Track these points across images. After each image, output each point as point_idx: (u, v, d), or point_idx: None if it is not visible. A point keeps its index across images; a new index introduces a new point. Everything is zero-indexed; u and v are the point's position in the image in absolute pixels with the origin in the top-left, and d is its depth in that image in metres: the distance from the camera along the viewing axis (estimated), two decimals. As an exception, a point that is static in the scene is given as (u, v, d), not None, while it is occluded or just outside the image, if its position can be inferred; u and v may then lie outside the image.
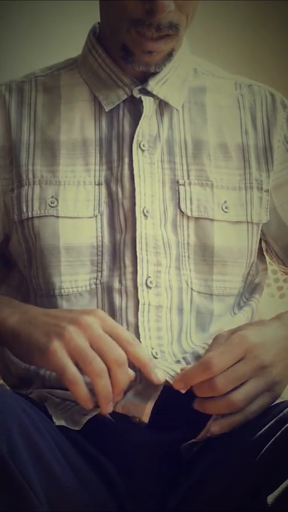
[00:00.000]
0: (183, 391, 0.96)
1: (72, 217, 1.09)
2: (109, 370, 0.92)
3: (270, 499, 0.86)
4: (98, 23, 1.16)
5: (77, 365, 0.91)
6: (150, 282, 1.06)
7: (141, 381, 1.00)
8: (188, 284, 1.08)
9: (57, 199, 1.09)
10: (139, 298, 1.05)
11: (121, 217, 1.08)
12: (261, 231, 1.17)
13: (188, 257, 1.09)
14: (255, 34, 1.89)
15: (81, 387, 0.90)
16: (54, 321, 0.95)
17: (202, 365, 0.93)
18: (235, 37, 1.86)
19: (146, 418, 0.99)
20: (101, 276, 1.07)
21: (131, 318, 1.05)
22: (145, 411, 0.99)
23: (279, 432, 0.89)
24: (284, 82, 1.50)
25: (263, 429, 0.92)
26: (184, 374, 0.96)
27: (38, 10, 1.77)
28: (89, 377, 0.91)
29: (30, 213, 1.09)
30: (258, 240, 1.15)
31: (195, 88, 1.16)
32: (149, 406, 0.99)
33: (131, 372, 0.94)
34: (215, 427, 0.95)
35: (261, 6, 1.86)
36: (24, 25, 1.77)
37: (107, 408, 0.92)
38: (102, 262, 1.08)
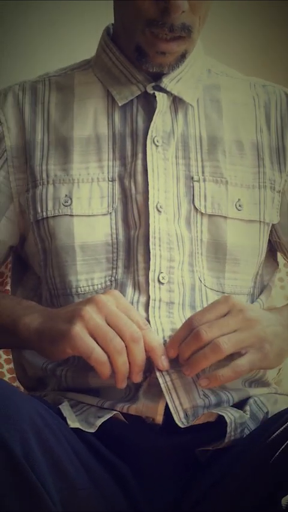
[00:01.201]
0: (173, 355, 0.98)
1: (87, 215, 1.09)
2: (126, 347, 0.95)
3: (284, 501, 0.86)
4: (112, 24, 1.16)
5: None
6: (163, 278, 1.05)
7: (153, 379, 1.01)
8: (201, 281, 1.08)
9: (71, 198, 1.09)
10: (150, 294, 1.04)
11: (135, 213, 1.08)
12: (276, 233, 1.17)
13: (201, 254, 1.09)
14: (266, 37, 1.88)
15: (107, 365, 0.94)
16: (72, 308, 0.98)
17: (185, 323, 0.98)
18: (246, 40, 1.85)
19: (159, 418, 1.00)
20: (116, 274, 1.08)
21: (142, 314, 1.04)
22: (158, 411, 1.00)
23: None
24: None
25: (276, 432, 0.92)
26: (171, 339, 0.99)
27: (56, 10, 1.77)
28: (109, 355, 0.94)
29: (45, 213, 1.10)
30: (267, 240, 1.15)
31: (209, 85, 1.16)
32: (161, 406, 1.00)
33: None
34: (203, 381, 0.96)
35: (272, 8, 1.85)
36: (41, 25, 1.77)
37: (123, 384, 0.96)
38: (117, 260, 1.08)
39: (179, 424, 1.00)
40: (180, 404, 1.01)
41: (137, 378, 0.97)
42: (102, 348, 0.94)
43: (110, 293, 0.99)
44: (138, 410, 1.00)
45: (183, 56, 1.07)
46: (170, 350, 0.99)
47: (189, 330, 0.97)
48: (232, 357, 0.98)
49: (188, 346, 0.97)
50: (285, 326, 1.04)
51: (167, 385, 1.00)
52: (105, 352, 0.94)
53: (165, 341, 1.02)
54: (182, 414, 1.00)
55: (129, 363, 0.96)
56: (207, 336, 0.95)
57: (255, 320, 0.99)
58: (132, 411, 1.00)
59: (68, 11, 1.78)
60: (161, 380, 1.00)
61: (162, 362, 0.98)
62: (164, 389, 1.00)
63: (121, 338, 0.95)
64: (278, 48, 1.88)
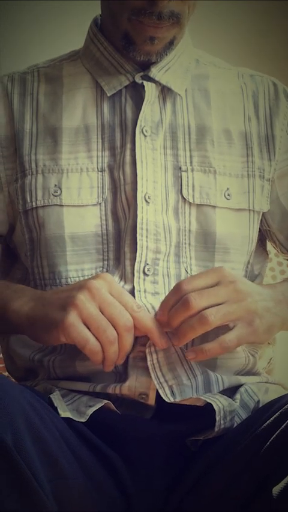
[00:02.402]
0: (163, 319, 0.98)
1: (77, 205, 1.09)
2: (118, 335, 0.95)
3: (275, 490, 0.86)
4: (100, 15, 1.16)
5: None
6: (148, 270, 1.05)
7: (139, 354, 1.02)
8: (187, 271, 1.08)
9: (60, 188, 1.09)
10: (135, 285, 1.04)
11: (124, 204, 1.08)
12: (266, 221, 1.17)
13: (189, 244, 1.09)
14: (260, 30, 1.88)
15: (100, 354, 0.95)
16: (65, 294, 0.98)
17: (174, 288, 0.98)
18: (240, 34, 1.86)
19: (152, 393, 1.01)
20: (107, 265, 1.08)
21: None
22: (150, 386, 1.01)
23: (283, 425, 0.89)
24: (283, 76, 1.50)
25: (267, 422, 0.92)
26: (161, 304, 0.99)
27: (41, 8, 1.77)
28: (101, 344, 0.94)
29: (34, 203, 1.09)
30: (258, 228, 1.15)
31: (198, 75, 1.16)
32: (153, 378, 1.00)
33: None
34: (189, 353, 0.97)
35: (266, 6, 1.86)
36: (27, 23, 1.77)
37: (110, 368, 0.96)
38: (108, 251, 1.08)
39: (166, 399, 1.00)
40: (166, 381, 1.01)
41: (121, 361, 0.98)
42: (95, 337, 0.94)
43: (102, 277, 0.98)
44: (131, 387, 1.01)
45: (171, 43, 1.07)
46: (160, 315, 0.99)
47: (179, 296, 0.97)
48: (220, 329, 0.98)
49: (177, 313, 0.97)
50: (277, 301, 1.04)
51: (153, 362, 1.01)
52: (98, 341, 0.94)
53: None
54: (168, 391, 1.01)
55: (119, 349, 0.96)
56: (197, 304, 0.95)
57: (246, 292, 0.99)
58: (124, 390, 1.01)
59: (57, 7, 1.78)
60: (148, 358, 1.01)
61: (162, 340, 0.98)
62: (149, 366, 1.00)
63: (114, 327, 0.95)
64: (264, 40, 1.88)
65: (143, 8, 1.01)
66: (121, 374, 1.03)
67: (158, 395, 1.01)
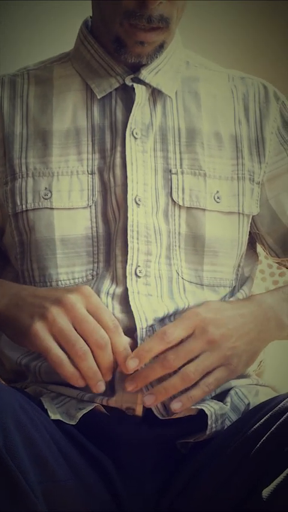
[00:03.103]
0: (138, 367, 0.97)
1: (67, 208, 1.08)
2: (92, 352, 0.94)
3: (265, 493, 0.87)
4: (90, 16, 1.16)
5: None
6: (140, 272, 1.05)
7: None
8: (178, 274, 1.08)
9: (50, 191, 1.09)
10: (127, 287, 1.04)
11: (114, 206, 1.08)
12: (255, 224, 1.18)
13: (179, 247, 1.09)
14: (255, 35, 1.89)
15: (66, 366, 0.93)
16: (39, 302, 0.97)
17: (157, 335, 0.97)
18: (235, 38, 1.86)
19: (139, 408, 1.01)
20: (98, 268, 1.07)
21: (118, 306, 1.04)
22: (138, 401, 1.00)
23: (273, 427, 0.89)
24: (280, 75, 1.50)
25: (257, 424, 0.92)
26: (140, 347, 0.97)
27: (38, 9, 1.77)
28: (72, 358, 0.93)
29: (24, 206, 1.09)
30: (248, 232, 1.15)
31: (188, 77, 1.16)
32: (141, 395, 1.00)
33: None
34: (175, 404, 0.97)
35: (261, 4, 1.86)
36: (24, 24, 1.77)
37: (98, 388, 0.95)
38: (98, 253, 1.08)
39: (159, 416, 1.00)
40: None
41: (107, 378, 0.97)
42: (68, 353, 0.93)
43: (80, 291, 0.97)
44: (118, 401, 1.01)
45: (161, 47, 1.07)
46: (135, 359, 0.97)
47: (159, 339, 0.96)
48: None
49: (153, 371, 0.97)
50: (260, 322, 1.04)
51: None
52: (71, 356, 0.93)
53: (149, 327, 1.02)
54: (160, 406, 1.01)
55: (98, 366, 0.95)
56: (175, 364, 0.96)
57: (219, 340, 0.99)
58: (112, 403, 1.01)
59: (57, 7, 1.78)
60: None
61: (127, 366, 0.96)
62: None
63: (87, 343, 0.94)
64: (270, 42, 1.88)
65: (134, 11, 1.02)
66: (107, 389, 1.03)
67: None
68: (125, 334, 0.98)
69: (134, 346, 0.99)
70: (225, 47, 1.85)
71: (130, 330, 1.02)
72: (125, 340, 0.97)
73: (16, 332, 0.96)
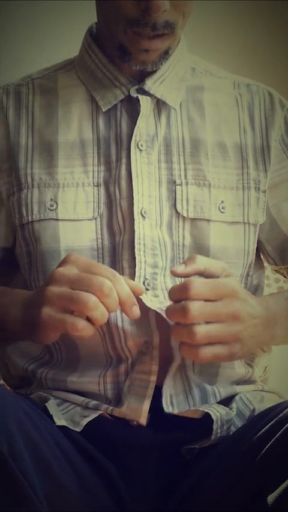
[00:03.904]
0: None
1: (72, 219, 1.08)
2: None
3: (270, 499, 0.86)
4: (96, 23, 1.16)
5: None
6: (148, 284, 1.05)
7: (135, 381, 1.01)
8: None
9: (56, 202, 1.09)
10: (142, 298, 1.03)
11: (119, 219, 1.08)
12: None
13: (183, 259, 1.08)
14: (255, 34, 1.88)
15: (87, 329, 0.91)
16: (38, 293, 0.95)
17: (182, 284, 0.93)
18: (235, 37, 1.85)
19: (143, 420, 1.00)
20: None
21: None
22: (142, 414, 1.00)
23: (279, 433, 0.89)
24: (283, 84, 1.50)
25: (263, 430, 0.92)
26: (171, 289, 0.95)
27: (38, 9, 1.76)
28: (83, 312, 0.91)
29: (30, 217, 1.09)
30: (255, 241, 1.15)
31: (193, 86, 1.15)
32: (145, 408, 1.00)
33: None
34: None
35: (261, 6, 1.86)
36: (24, 25, 1.76)
37: (134, 313, 0.95)
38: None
39: (166, 408, 1.00)
40: (166, 389, 1.01)
41: (131, 313, 0.95)
42: (76, 310, 0.91)
43: (67, 261, 0.95)
44: (122, 413, 1.01)
45: (166, 53, 1.07)
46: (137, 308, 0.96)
47: (182, 289, 0.92)
48: None
49: (174, 314, 0.93)
50: (265, 325, 1.01)
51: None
52: (80, 312, 0.91)
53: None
54: (168, 399, 1.01)
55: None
56: (193, 317, 0.92)
57: (241, 318, 0.95)
58: (116, 413, 1.01)
59: (57, 7, 1.78)
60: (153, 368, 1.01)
61: (132, 312, 0.95)
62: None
63: (92, 292, 0.91)
64: (269, 45, 1.88)
65: (138, 19, 1.01)
66: (111, 400, 1.03)
67: (153, 404, 1.01)
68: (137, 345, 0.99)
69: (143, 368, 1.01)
70: (225, 47, 1.85)
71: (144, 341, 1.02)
72: (126, 287, 0.95)
73: (35, 330, 0.95)
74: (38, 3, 1.74)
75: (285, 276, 1.24)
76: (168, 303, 1.01)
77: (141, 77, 1.11)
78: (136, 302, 0.95)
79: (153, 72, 1.10)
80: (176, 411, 1.00)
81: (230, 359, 0.97)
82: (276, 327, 1.05)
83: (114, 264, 1.07)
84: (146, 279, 1.05)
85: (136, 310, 0.95)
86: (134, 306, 0.95)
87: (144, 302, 1.01)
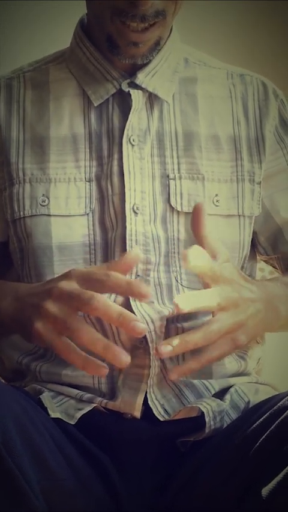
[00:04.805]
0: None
1: (64, 215, 1.08)
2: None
3: (264, 491, 0.86)
4: (86, 14, 1.15)
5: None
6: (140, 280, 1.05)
7: (129, 375, 1.01)
8: (177, 280, 1.07)
9: (48, 198, 1.08)
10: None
11: (111, 214, 1.07)
12: None
13: (178, 253, 1.08)
14: (255, 34, 1.89)
15: (74, 353, 0.86)
16: (33, 301, 0.91)
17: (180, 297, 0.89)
18: (235, 38, 1.86)
19: (137, 413, 1.00)
20: None
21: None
22: (136, 407, 1.00)
23: (273, 426, 0.89)
24: (280, 75, 1.50)
25: (257, 423, 0.92)
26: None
27: (38, 9, 1.77)
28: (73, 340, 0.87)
29: (22, 213, 1.09)
30: (250, 233, 1.14)
31: (186, 78, 1.15)
32: (139, 401, 1.00)
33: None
34: (172, 374, 0.92)
35: (261, 6, 1.86)
36: (24, 25, 1.77)
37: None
38: (95, 261, 1.07)
39: (160, 418, 1.00)
40: (157, 400, 1.02)
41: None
42: (66, 334, 0.87)
43: (66, 277, 0.91)
44: (116, 406, 1.01)
45: (157, 44, 1.06)
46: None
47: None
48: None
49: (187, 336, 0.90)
50: (266, 308, 1.00)
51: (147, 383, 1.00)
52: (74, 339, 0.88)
53: (159, 329, 1.01)
54: (160, 409, 1.01)
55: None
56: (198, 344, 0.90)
57: (242, 304, 0.94)
58: (110, 406, 1.01)
59: (57, 7, 1.78)
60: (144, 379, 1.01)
61: (135, 330, 0.87)
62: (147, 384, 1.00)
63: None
64: (267, 39, 1.88)
65: (124, 10, 1.00)
66: (105, 394, 1.03)
67: (147, 397, 1.01)
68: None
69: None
70: (225, 47, 1.85)
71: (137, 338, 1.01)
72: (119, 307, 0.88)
73: (24, 334, 0.93)
74: (38, 3, 1.75)
75: (274, 267, 1.23)
76: (161, 300, 1.02)
77: (133, 69, 1.10)
78: (136, 318, 0.87)
79: (145, 64, 1.09)
80: (170, 417, 1.01)
81: (238, 349, 0.96)
82: (280, 307, 1.04)
83: (107, 260, 1.07)
84: (138, 275, 1.05)
85: (139, 326, 0.85)
86: (133, 322, 0.86)
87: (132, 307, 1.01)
